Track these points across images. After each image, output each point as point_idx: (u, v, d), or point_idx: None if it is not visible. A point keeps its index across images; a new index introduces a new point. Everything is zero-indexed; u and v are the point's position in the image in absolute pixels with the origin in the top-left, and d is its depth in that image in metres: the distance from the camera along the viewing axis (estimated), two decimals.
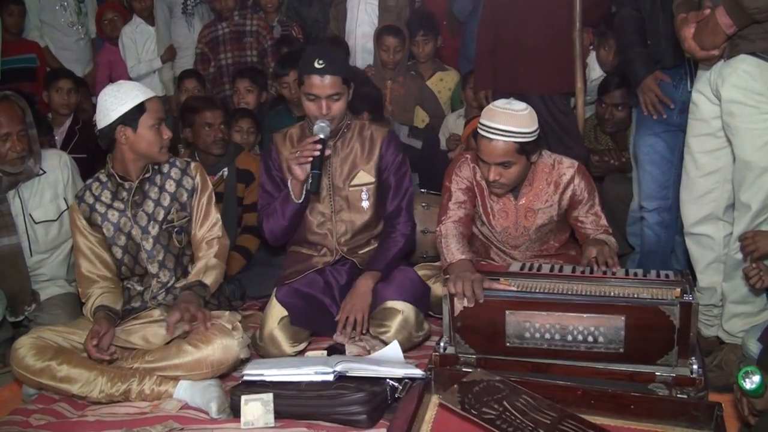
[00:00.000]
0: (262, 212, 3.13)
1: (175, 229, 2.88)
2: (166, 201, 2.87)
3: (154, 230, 2.86)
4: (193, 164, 2.94)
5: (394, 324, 2.88)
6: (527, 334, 2.46)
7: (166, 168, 2.90)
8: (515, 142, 2.72)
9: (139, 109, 2.73)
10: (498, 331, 2.48)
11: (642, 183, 3.30)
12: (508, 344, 2.49)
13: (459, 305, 2.51)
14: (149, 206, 2.86)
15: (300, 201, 2.98)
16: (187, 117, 3.84)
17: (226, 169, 3.81)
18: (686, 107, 2.91)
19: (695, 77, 2.79)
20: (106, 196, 2.86)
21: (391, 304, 2.91)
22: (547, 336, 2.44)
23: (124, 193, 2.85)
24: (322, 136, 2.88)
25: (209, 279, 2.86)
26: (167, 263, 2.88)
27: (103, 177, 2.89)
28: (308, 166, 2.85)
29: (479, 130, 2.80)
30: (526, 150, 2.77)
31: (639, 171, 3.33)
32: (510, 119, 2.72)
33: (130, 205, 2.85)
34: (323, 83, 2.91)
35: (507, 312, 2.46)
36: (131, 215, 2.85)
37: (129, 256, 2.87)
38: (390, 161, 3.11)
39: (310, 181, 2.86)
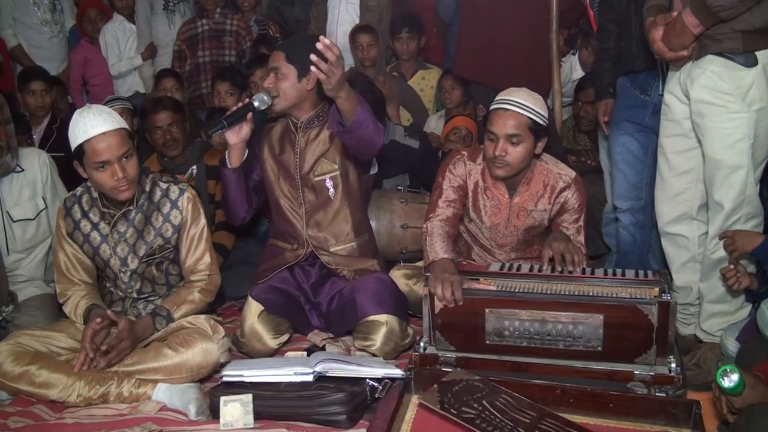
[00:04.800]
0: None
1: (156, 261, 2.84)
2: (150, 236, 2.80)
3: (133, 264, 2.81)
4: (186, 195, 2.82)
5: (379, 336, 2.87)
6: (507, 332, 2.48)
7: (157, 195, 2.81)
8: (529, 117, 2.77)
9: (80, 151, 2.62)
10: (478, 328, 2.50)
11: (615, 183, 3.33)
12: (487, 342, 2.51)
13: (439, 303, 2.53)
14: (132, 237, 2.79)
15: (231, 167, 3.02)
16: (142, 121, 3.82)
17: (194, 167, 3.78)
18: (658, 109, 2.95)
19: (666, 79, 2.81)
20: (95, 213, 2.80)
21: (373, 317, 2.90)
22: (527, 334, 2.46)
23: (110, 217, 2.79)
24: (255, 102, 2.92)
25: (180, 312, 2.78)
26: (144, 289, 2.85)
27: (94, 191, 2.81)
28: (240, 130, 2.92)
29: (493, 106, 2.85)
30: (535, 131, 2.79)
31: (613, 171, 3.36)
32: (527, 96, 2.81)
33: (112, 233, 2.79)
34: (272, 57, 3.02)
35: (487, 310, 2.48)
36: (112, 244, 2.79)
37: (106, 275, 2.86)
38: None
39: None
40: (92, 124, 2.58)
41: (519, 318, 2.46)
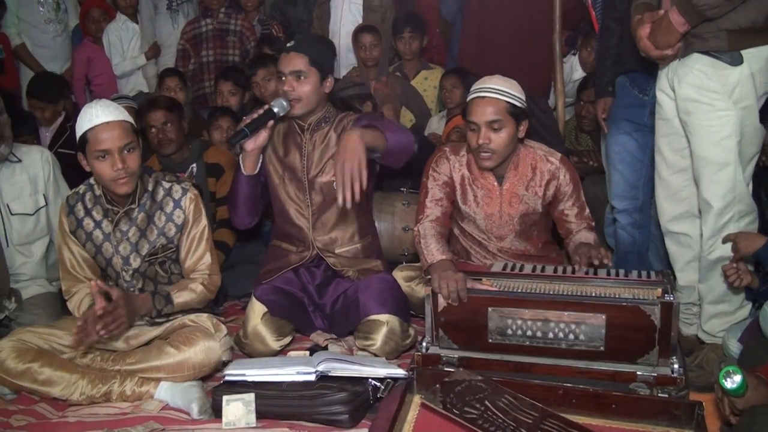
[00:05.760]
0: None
1: (158, 260, 2.83)
2: (152, 235, 2.79)
3: (135, 262, 2.80)
4: (189, 194, 2.82)
5: (380, 336, 2.86)
6: (509, 331, 2.49)
7: (160, 195, 2.81)
8: (507, 102, 2.79)
9: (84, 140, 2.62)
10: (480, 327, 2.51)
11: (613, 182, 3.31)
12: (490, 340, 2.51)
13: (442, 302, 2.53)
14: (135, 236, 2.78)
15: (246, 173, 2.99)
16: (140, 120, 3.83)
17: (194, 165, 3.78)
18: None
19: (657, 77, 2.82)
20: (98, 211, 2.80)
21: (374, 317, 2.89)
22: (529, 333, 2.47)
23: (113, 215, 2.79)
24: (275, 109, 2.90)
25: (180, 298, 2.77)
26: (147, 288, 2.84)
27: (97, 189, 2.81)
28: (258, 137, 2.90)
29: (471, 96, 2.87)
30: (515, 114, 2.81)
31: (610, 170, 3.35)
32: (502, 81, 2.85)
33: (115, 232, 2.78)
34: (287, 58, 2.97)
35: (489, 308, 2.49)
36: (115, 243, 2.79)
37: (108, 274, 2.86)
38: (360, 122, 3.04)
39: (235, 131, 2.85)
40: (97, 114, 2.60)
41: (522, 317, 2.46)
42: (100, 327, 2.51)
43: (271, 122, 2.91)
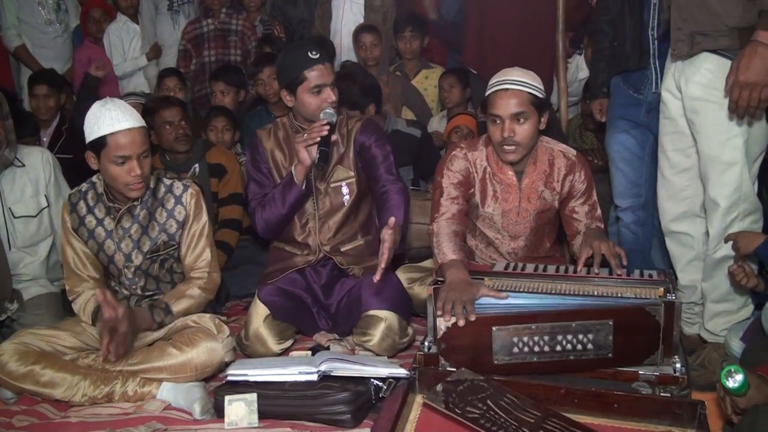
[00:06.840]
0: (254, 201, 3.11)
1: (160, 258, 2.83)
2: (154, 231, 2.80)
3: (137, 260, 2.80)
4: (189, 191, 2.83)
5: (378, 332, 2.86)
6: (515, 350, 2.39)
7: (161, 192, 2.81)
8: (529, 93, 2.77)
9: (100, 142, 2.62)
10: (485, 349, 2.41)
11: (614, 181, 3.30)
12: (496, 362, 2.41)
13: (442, 326, 2.43)
14: (137, 233, 2.79)
15: (303, 186, 2.97)
16: (147, 120, 3.83)
17: (197, 165, 3.80)
18: (653, 107, 2.95)
19: (662, 76, 2.81)
20: (100, 209, 2.80)
21: (373, 312, 2.89)
22: (536, 349, 2.39)
23: (115, 212, 2.79)
24: (332, 119, 2.91)
25: (179, 306, 2.77)
26: (149, 286, 2.85)
27: (99, 187, 2.82)
28: (314, 149, 2.86)
29: (491, 89, 2.84)
30: (538, 105, 2.80)
31: (611, 170, 3.34)
32: (523, 73, 2.83)
33: (117, 229, 2.79)
34: (326, 70, 2.95)
35: (494, 328, 2.39)
36: (117, 240, 2.79)
37: (111, 272, 2.86)
38: (367, 139, 3.07)
39: (317, 156, 2.84)
40: (118, 118, 2.60)
41: (528, 333, 2.38)
42: (104, 351, 2.53)
43: (335, 137, 2.96)
